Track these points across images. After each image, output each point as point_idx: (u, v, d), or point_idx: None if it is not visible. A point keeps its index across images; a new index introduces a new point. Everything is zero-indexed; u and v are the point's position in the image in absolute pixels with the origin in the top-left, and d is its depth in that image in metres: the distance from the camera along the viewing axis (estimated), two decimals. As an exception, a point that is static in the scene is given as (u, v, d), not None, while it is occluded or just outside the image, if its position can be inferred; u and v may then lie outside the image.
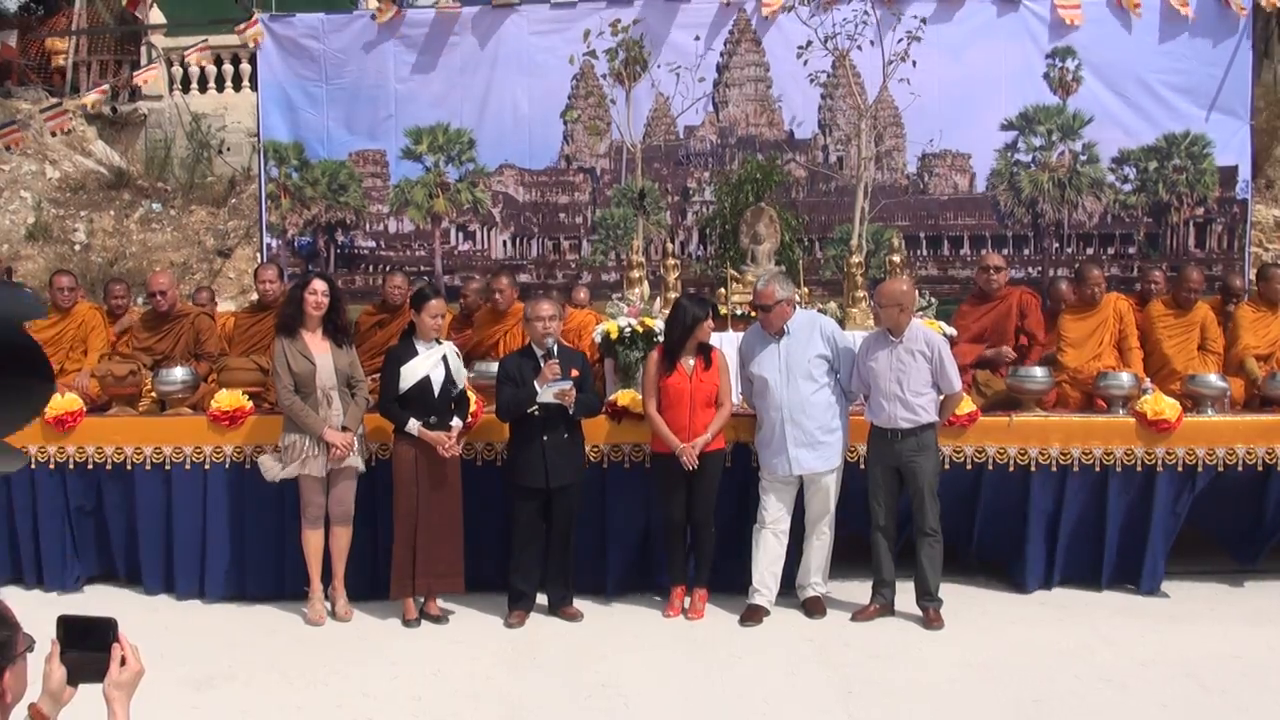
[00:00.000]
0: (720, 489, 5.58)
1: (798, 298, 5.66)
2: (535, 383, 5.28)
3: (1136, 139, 8.60)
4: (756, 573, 5.53)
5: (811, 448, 5.41)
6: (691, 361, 5.50)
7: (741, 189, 7.72)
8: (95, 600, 5.91)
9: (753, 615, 5.47)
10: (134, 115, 14.54)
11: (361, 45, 8.93)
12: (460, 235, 9.19)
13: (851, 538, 5.78)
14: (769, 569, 5.54)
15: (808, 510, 5.57)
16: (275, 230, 9.16)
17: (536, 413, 5.34)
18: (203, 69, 14.15)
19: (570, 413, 5.38)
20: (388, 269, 8.59)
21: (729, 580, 5.68)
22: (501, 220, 9.16)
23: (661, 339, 5.79)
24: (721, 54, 8.92)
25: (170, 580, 5.95)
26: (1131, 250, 8.78)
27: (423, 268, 9.10)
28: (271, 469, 5.50)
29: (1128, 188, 8.70)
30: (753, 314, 6.28)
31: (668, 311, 5.86)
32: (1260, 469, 5.82)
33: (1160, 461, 5.79)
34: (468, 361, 6.11)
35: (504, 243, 9.18)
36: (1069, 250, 8.75)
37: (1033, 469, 5.79)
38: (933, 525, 5.41)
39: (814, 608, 5.51)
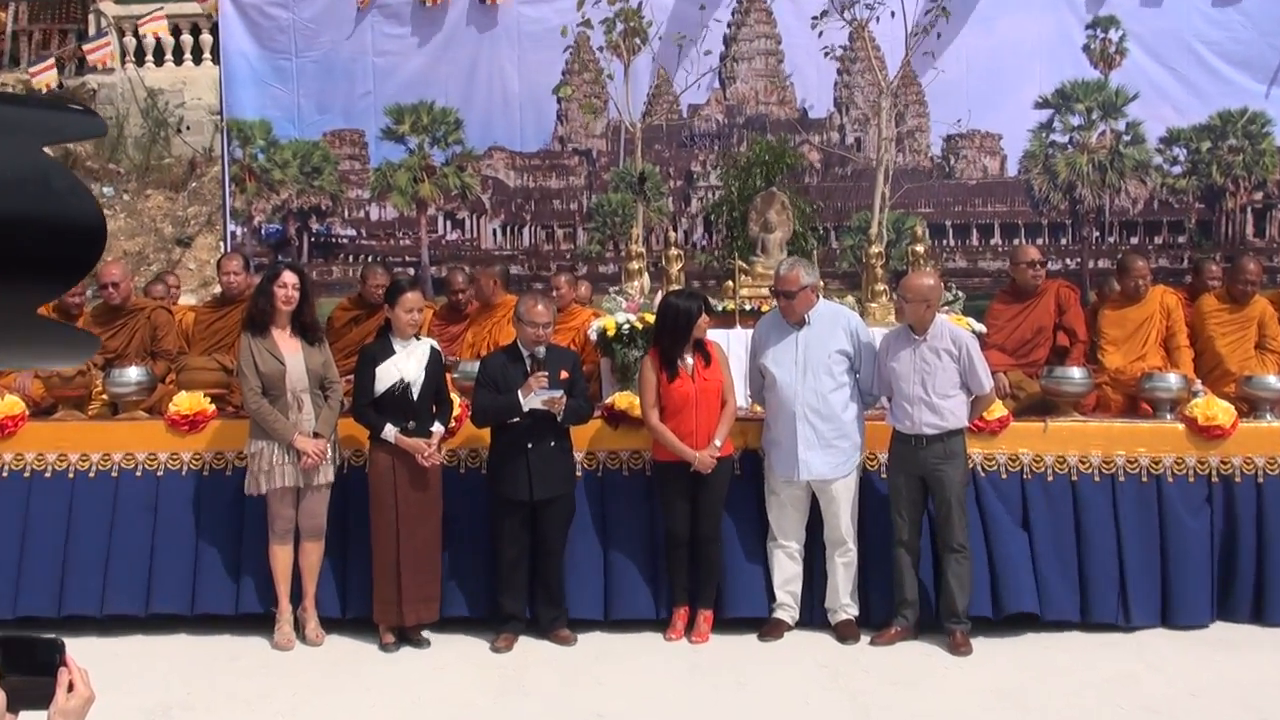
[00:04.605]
0: (728, 500, 5.59)
1: (820, 285, 5.68)
2: (519, 392, 5.29)
3: (1187, 117, 8.59)
4: (777, 588, 5.59)
5: (823, 451, 5.42)
6: (690, 360, 5.51)
7: (750, 173, 7.73)
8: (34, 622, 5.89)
9: (773, 630, 5.52)
10: (82, 90, 14.54)
11: (336, 15, 8.95)
12: (448, 223, 9.21)
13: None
14: (785, 588, 5.58)
15: (825, 527, 5.58)
16: (240, 217, 9.18)
17: (519, 420, 5.35)
18: (158, 39, 14.16)
19: (559, 420, 5.39)
20: (369, 261, 8.60)
21: (736, 601, 5.69)
22: (491, 207, 9.18)
23: (655, 342, 5.75)
24: (729, 25, 8.93)
25: (123, 600, 5.93)
26: (1181, 239, 8.77)
27: (408, 258, 9.12)
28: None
29: (1177, 170, 8.70)
30: (763, 308, 6.30)
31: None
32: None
33: (1214, 471, 5.80)
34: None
35: (494, 231, 9.20)
36: (1110, 239, 8.75)
37: (1074, 478, 5.79)
38: (960, 540, 5.41)
39: (847, 632, 5.51)
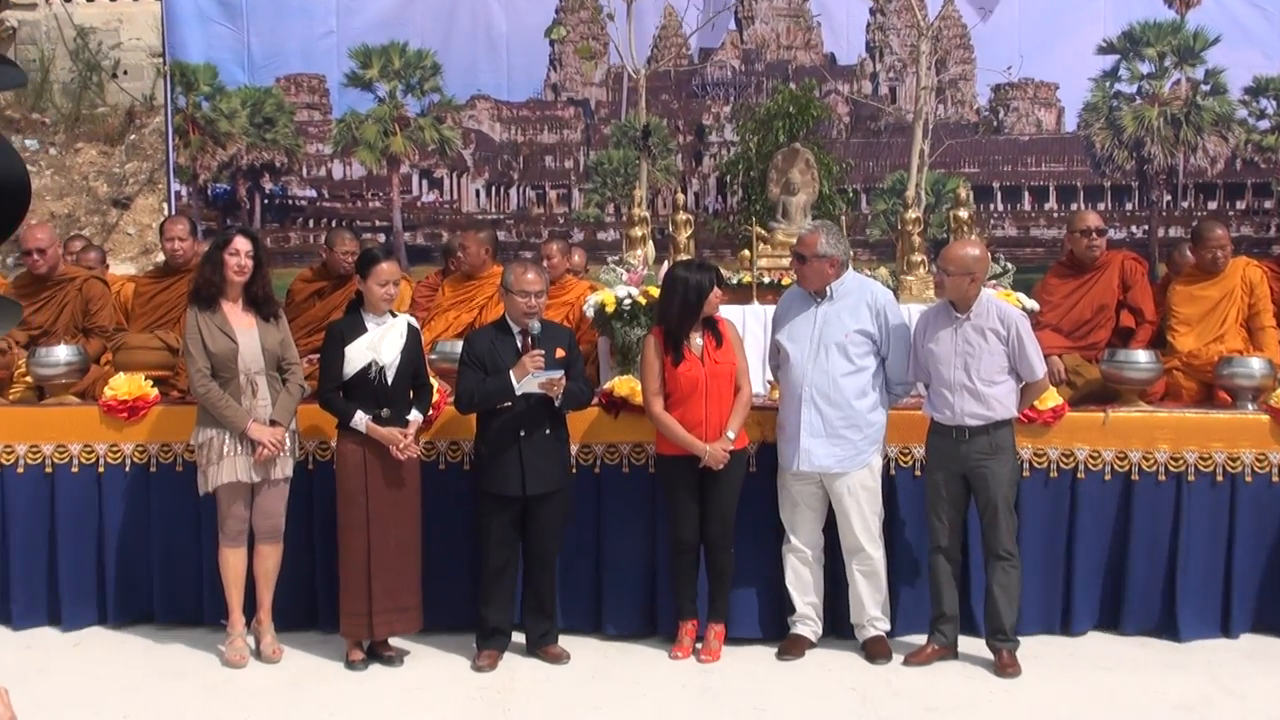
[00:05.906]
0: (742, 500, 5.63)
1: (848, 261, 5.70)
2: (512, 373, 5.34)
3: (1277, 64, 8.58)
4: (795, 600, 5.65)
5: (828, 440, 5.44)
6: (699, 341, 5.55)
7: (770, 127, 7.76)
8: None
9: (793, 648, 5.58)
10: None
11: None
12: (424, 183, 9.25)
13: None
14: (805, 599, 5.64)
15: (839, 531, 5.63)
16: (185, 175, 9.21)
17: (512, 404, 5.40)
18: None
19: (556, 405, 5.45)
20: (333, 225, 8.65)
21: (750, 615, 5.76)
22: (474, 164, 9.22)
23: (659, 320, 5.78)
24: (748, -44, 8.96)
25: (50, 610, 6.01)
26: (1268, 204, 8.80)
27: (378, 222, 9.16)
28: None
29: (1264, 125, 8.72)
30: (784, 281, 6.35)
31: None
32: None
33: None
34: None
35: (477, 191, 9.24)
36: (1184, 204, 8.77)
37: (1135, 477, 5.85)
38: (1008, 547, 5.44)
39: (877, 650, 5.56)
